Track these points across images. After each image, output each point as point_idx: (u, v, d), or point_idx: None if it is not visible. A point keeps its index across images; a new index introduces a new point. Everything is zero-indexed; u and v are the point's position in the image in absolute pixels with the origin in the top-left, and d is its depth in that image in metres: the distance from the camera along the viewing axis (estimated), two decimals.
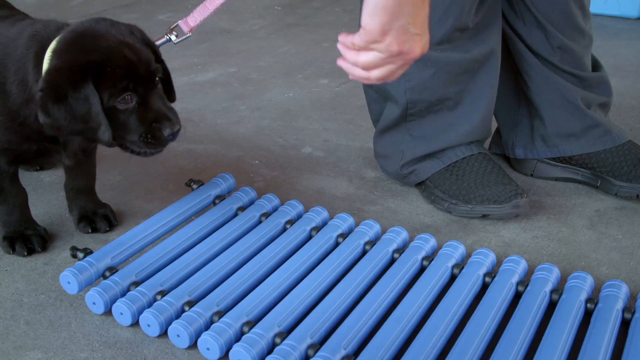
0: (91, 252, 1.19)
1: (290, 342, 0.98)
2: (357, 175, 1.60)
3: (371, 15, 0.96)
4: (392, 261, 1.22)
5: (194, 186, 1.44)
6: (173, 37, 1.24)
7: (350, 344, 0.99)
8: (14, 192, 1.25)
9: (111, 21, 1.12)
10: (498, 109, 1.55)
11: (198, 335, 1.02)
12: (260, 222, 1.32)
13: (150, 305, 1.08)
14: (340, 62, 1.05)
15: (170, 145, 1.68)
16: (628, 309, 1.07)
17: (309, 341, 0.99)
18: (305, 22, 2.90)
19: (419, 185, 1.50)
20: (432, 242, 1.25)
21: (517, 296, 1.13)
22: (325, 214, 1.34)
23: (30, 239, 1.27)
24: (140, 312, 1.07)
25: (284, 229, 1.30)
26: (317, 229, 1.29)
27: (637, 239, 1.33)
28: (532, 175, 1.57)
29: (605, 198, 1.48)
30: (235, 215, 1.35)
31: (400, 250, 1.23)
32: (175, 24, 1.24)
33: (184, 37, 1.23)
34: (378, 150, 1.55)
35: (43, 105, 1.04)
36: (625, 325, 1.06)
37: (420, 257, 1.20)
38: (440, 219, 1.41)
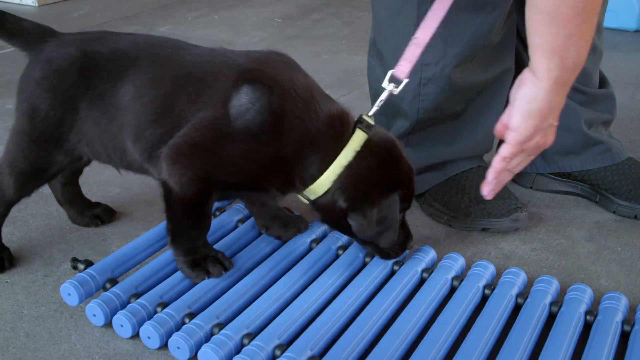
0: (92, 264, 1.20)
1: (290, 355, 0.98)
2: None
3: (525, 119, 1.06)
4: (391, 273, 1.22)
5: None
6: (390, 87, 1.19)
7: (350, 357, 1.00)
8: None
9: (384, 132, 1.16)
10: None
11: (198, 347, 1.02)
12: (260, 234, 1.32)
13: (150, 317, 1.08)
14: (488, 186, 1.17)
15: None
16: (627, 321, 1.07)
17: (308, 353, 1.00)
18: (305, 35, 2.91)
19: (419, 197, 1.51)
20: (431, 254, 1.25)
21: (516, 308, 1.13)
22: (324, 226, 1.34)
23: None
24: (140, 324, 1.07)
25: (284, 242, 1.30)
26: (318, 241, 1.29)
27: (636, 251, 1.33)
28: (531, 187, 1.57)
29: (604, 210, 1.48)
30: (236, 227, 1.35)
31: (400, 262, 1.23)
32: (390, 75, 1.19)
33: (404, 83, 1.19)
34: None
35: (360, 209, 1.10)
36: (624, 337, 1.06)
37: (420, 269, 1.21)
38: (439, 231, 1.42)
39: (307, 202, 1.14)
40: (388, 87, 1.19)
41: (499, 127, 1.14)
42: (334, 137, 1.09)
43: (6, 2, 3.34)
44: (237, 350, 1.02)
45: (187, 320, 1.07)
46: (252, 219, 1.34)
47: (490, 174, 1.15)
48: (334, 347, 1.01)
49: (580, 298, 1.11)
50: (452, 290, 1.17)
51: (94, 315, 1.10)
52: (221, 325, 1.05)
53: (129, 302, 1.12)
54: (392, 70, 1.19)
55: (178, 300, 1.10)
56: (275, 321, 1.06)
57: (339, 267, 1.20)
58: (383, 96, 1.19)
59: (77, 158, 1.22)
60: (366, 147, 1.10)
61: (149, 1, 3.44)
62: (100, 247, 1.36)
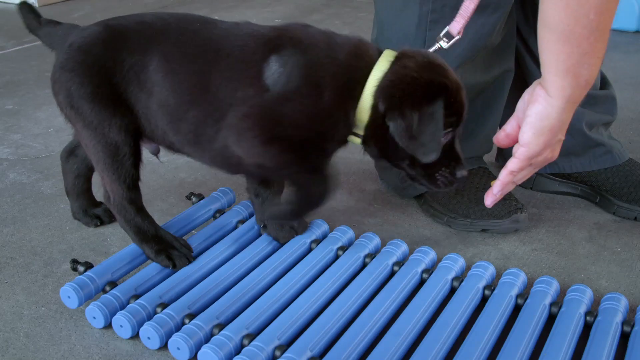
0: (92, 266, 1.20)
1: (290, 355, 0.98)
2: (356, 188, 1.60)
3: (537, 136, 1.06)
4: (391, 274, 1.22)
5: (194, 199, 1.44)
6: (443, 44, 1.19)
7: (350, 357, 0.99)
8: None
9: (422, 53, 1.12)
10: (502, 120, 1.55)
11: (198, 348, 1.02)
12: (260, 234, 1.32)
13: (150, 318, 1.08)
14: (492, 198, 1.17)
15: (171, 158, 1.69)
16: (627, 322, 1.07)
17: (308, 354, 1.00)
18: None
19: (418, 198, 1.51)
20: (431, 254, 1.25)
21: (516, 309, 1.13)
22: (325, 226, 1.34)
23: None
24: (140, 324, 1.07)
25: (281, 243, 1.30)
26: (317, 241, 1.29)
27: (636, 252, 1.33)
28: (531, 188, 1.57)
29: (604, 211, 1.48)
30: (235, 228, 1.35)
31: (400, 263, 1.23)
32: (445, 30, 1.18)
33: (455, 39, 1.18)
34: (378, 163, 1.55)
35: (400, 108, 1.05)
36: (624, 338, 1.06)
37: (419, 269, 1.21)
38: (439, 232, 1.42)
39: (359, 141, 1.13)
40: (440, 42, 1.18)
41: (501, 136, 1.14)
42: (363, 61, 1.09)
43: (6, 3, 3.34)
44: (237, 351, 1.02)
45: (187, 320, 1.07)
46: (251, 220, 1.35)
47: (497, 187, 1.15)
48: (334, 348, 1.01)
49: (580, 299, 1.11)
50: (452, 290, 1.17)
51: (94, 318, 1.10)
52: (221, 326, 1.05)
53: (128, 304, 1.12)
54: (449, 25, 1.17)
55: (178, 301, 1.10)
56: (275, 322, 1.06)
57: (339, 268, 1.20)
58: (431, 50, 1.17)
59: (139, 135, 1.18)
60: (399, 57, 1.09)
61: (148, 2, 3.44)
62: (100, 247, 1.36)
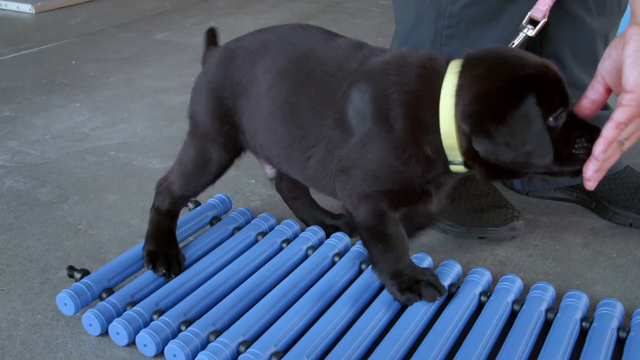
0: (88, 273, 1.20)
1: None
2: None
3: None
4: None
5: (191, 206, 1.44)
6: (529, 32, 1.13)
7: None
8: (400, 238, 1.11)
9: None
10: None
11: (195, 355, 1.02)
12: (256, 241, 1.33)
13: (147, 325, 1.08)
14: (594, 164, 0.97)
15: (167, 165, 1.69)
16: (623, 327, 1.07)
17: None
18: None
19: None
20: (427, 261, 1.25)
21: (512, 315, 1.13)
22: (321, 233, 1.34)
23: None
24: (136, 331, 1.07)
25: (280, 248, 1.30)
26: (314, 248, 1.29)
27: (631, 258, 1.34)
28: (527, 194, 1.57)
29: (599, 217, 1.48)
30: (232, 235, 1.35)
31: None
32: (527, 17, 1.11)
33: (541, 23, 1.10)
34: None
35: (483, 128, 0.92)
36: (620, 343, 1.06)
37: None
38: (435, 238, 1.42)
39: (463, 168, 1.01)
40: (525, 30, 1.11)
41: (584, 103, 1.03)
42: (430, 82, 0.98)
43: (4, 10, 3.34)
44: (234, 358, 1.02)
45: (183, 327, 1.07)
46: (248, 226, 1.35)
47: (600, 146, 0.96)
48: (331, 354, 1.01)
49: (576, 304, 1.11)
50: (449, 297, 1.17)
51: (90, 325, 1.10)
52: (217, 333, 1.05)
53: (125, 311, 1.12)
54: (531, 11, 1.10)
55: (174, 307, 1.10)
56: (272, 328, 1.06)
57: (335, 274, 1.20)
58: (517, 40, 1.11)
59: (236, 153, 1.21)
60: (465, 65, 0.97)
61: (146, 8, 3.44)
62: (97, 254, 1.36)
